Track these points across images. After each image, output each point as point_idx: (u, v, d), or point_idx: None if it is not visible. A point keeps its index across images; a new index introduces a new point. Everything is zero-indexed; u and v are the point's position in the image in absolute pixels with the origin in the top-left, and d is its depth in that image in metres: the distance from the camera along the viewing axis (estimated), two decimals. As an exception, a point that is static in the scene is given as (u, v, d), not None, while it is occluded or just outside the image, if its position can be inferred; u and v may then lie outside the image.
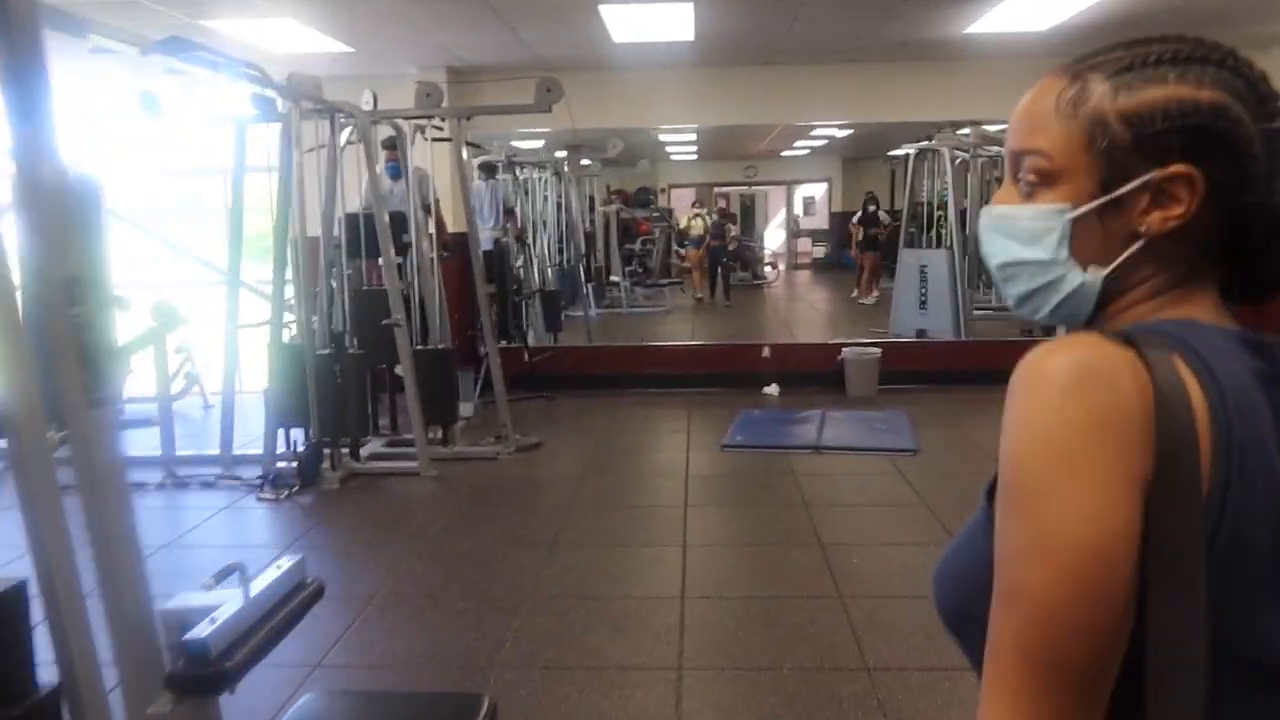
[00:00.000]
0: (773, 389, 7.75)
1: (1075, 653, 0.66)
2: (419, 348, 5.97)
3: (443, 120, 6.06)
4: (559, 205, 11.31)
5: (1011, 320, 11.30)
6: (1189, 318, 0.76)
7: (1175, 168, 0.74)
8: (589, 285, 11.89)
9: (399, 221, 6.01)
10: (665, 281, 15.37)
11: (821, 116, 8.54)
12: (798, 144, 16.72)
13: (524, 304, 8.74)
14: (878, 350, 7.63)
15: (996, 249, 0.84)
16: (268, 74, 4.70)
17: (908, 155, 15.10)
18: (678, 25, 6.25)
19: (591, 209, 13.64)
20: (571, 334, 9.87)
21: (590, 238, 12.82)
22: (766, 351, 8.04)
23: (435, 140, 6.17)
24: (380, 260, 5.61)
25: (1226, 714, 0.69)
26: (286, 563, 1.84)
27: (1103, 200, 0.76)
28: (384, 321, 5.46)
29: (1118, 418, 0.67)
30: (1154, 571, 0.66)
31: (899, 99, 7.84)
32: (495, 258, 8.53)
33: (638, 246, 16.32)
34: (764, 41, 6.96)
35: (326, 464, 5.47)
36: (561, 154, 11.18)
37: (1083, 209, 0.77)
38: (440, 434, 6.03)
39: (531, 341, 8.69)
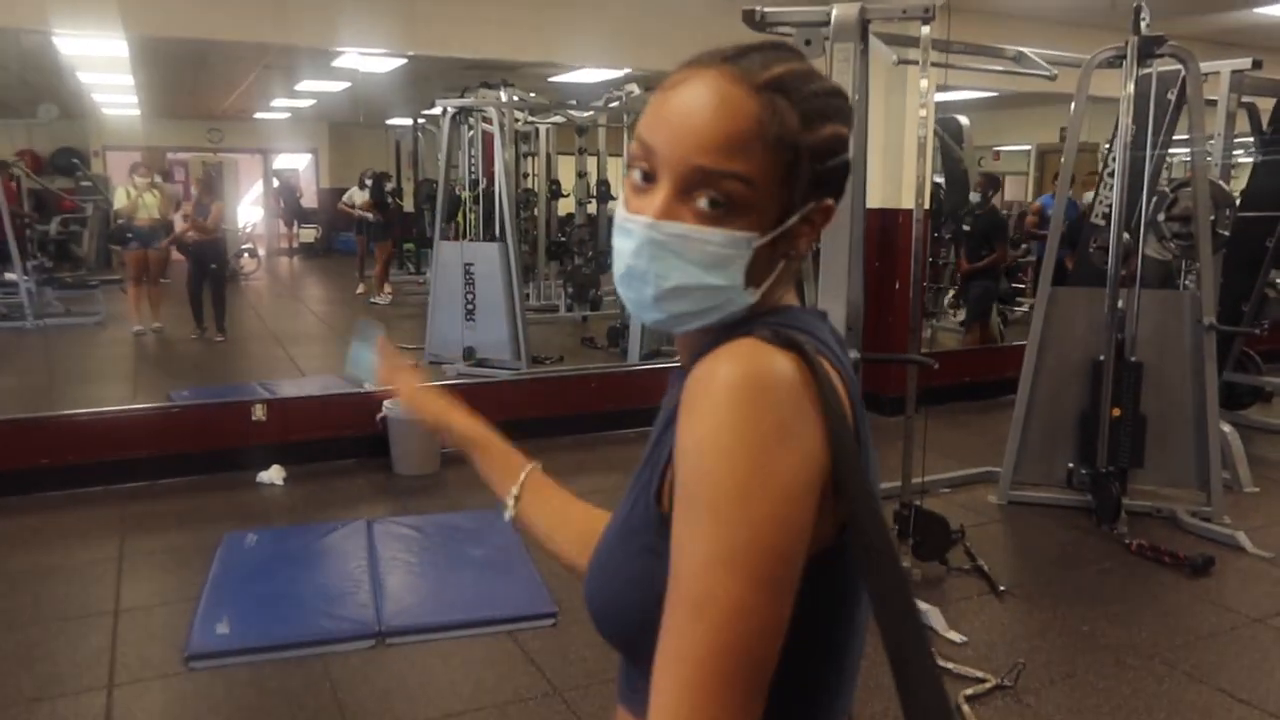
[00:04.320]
0: (274, 475, 4.81)
1: (764, 650, 0.68)
2: None
3: None
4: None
5: (561, 323, 9.43)
6: (791, 305, 0.84)
7: (829, 201, 0.80)
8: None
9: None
10: (97, 281, 11.02)
11: (324, 39, 5.53)
12: (277, 104, 13.38)
13: None
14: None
15: (668, 270, 0.77)
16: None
17: (423, 121, 12.60)
18: None
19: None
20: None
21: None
22: (260, 412, 5.02)
23: None
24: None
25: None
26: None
27: (783, 228, 0.78)
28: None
29: (799, 425, 0.69)
30: (860, 562, 0.72)
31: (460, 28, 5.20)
32: None
33: (52, 229, 11.77)
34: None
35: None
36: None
37: (768, 237, 0.77)
38: None
39: None
